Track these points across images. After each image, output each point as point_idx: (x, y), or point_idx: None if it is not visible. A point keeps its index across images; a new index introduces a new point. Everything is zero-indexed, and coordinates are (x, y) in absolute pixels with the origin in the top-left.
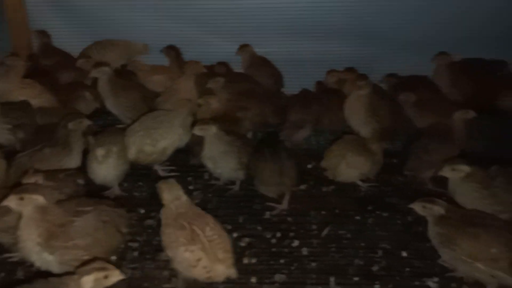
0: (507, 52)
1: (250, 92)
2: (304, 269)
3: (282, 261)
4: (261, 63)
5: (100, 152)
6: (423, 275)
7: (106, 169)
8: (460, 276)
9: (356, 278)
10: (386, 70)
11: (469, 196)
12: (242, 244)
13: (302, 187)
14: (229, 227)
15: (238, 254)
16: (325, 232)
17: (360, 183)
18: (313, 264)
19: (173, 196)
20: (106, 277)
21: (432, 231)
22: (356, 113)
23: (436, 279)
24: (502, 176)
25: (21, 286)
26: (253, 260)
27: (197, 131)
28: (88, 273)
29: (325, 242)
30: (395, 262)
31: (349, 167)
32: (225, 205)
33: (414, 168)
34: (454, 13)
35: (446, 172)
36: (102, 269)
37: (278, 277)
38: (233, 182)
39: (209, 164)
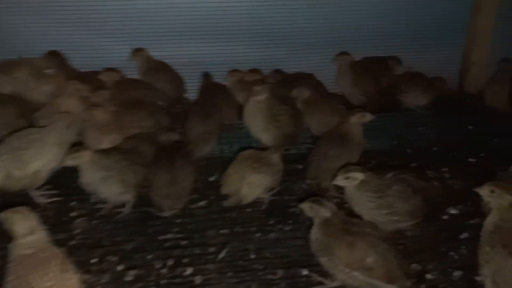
0: (403, 49)
1: (140, 102)
2: None
3: None
4: (159, 68)
5: None
6: None
7: None
8: None
9: None
10: (292, 71)
11: (364, 206)
12: (128, 278)
13: (202, 203)
14: (114, 259)
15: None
16: (221, 255)
17: (266, 196)
18: None
19: (25, 229)
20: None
21: (314, 236)
22: (255, 119)
23: None
24: (398, 184)
25: None
26: None
27: (69, 160)
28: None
29: (221, 267)
30: (295, 281)
31: (251, 188)
32: (112, 232)
33: (315, 176)
34: (355, 12)
35: (339, 181)
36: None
37: None
38: (123, 205)
39: (91, 190)
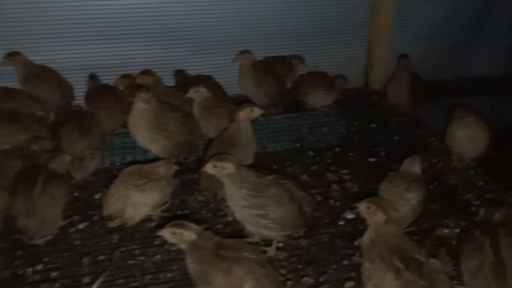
0: (308, 47)
1: (14, 114)
2: None
3: None
4: (40, 74)
5: None
6: None
7: None
8: None
9: None
10: (194, 72)
11: (237, 202)
12: None
13: (82, 225)
14: None
15: None
16: (95, 286)
17: (155, 213)
18: None
19: None
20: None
21: (189, 265)
22: (140, 129)
23: None
24: (276, 188)
25: None
26: None
27: None
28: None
29: None
30: None
31: (137, 208)
32: None
33: (208, 186)
34: (256, 11)
35: (208, 168)
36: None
37: None
38: None
39: None
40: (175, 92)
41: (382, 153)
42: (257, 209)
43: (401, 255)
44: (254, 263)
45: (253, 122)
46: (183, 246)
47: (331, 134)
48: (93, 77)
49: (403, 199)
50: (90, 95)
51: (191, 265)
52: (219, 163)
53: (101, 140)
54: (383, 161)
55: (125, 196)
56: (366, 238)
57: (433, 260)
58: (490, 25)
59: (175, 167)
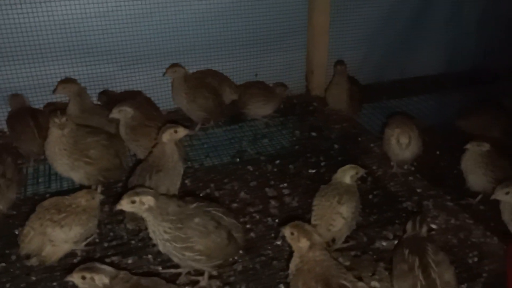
0: (247, 55)
1: None
2: None
3: None
4: None
5: None
6: None
7: None
8: None
9: None
10: (123, 87)
11: (160, 237)
12: None
13: None
14: None
15: None
16: None
17: (75, 248)
18: None
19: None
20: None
21: None
22: (59, 157)
23: None
24: (201, 217)
25: None
26: None
27: None
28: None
29: None
30: None
31: (56, 245)
32: None
33: (133, 217)
34: (187, 21)
35: (124, 205)
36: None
37: None
38: None
39: None
40: (101, 110)
41: (323, 163)
42: (180, 242)
43: (326, 282)
44: None
45: (191, 137)
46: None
47: (272, 145)
48: (16, 97)
49: (336, 213)
50: (11, 117)
51: None
52: (137, 198)
53: (15, 169)
54: (323, 172)
55: (42, 234)
56: (292, 266)
57: (360, 284)
58: (427, 24)
59: (99, 197)
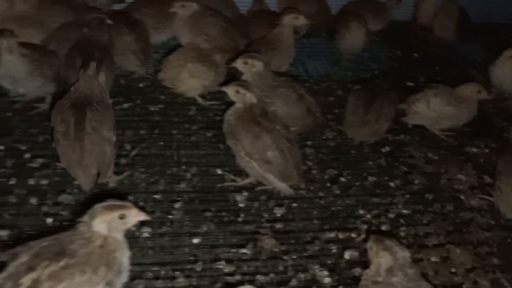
0: None
1: None
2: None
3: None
4: None
5: None
6: (234, 191)
7: None
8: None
9: (157, 196)
10: None
11: None
12: (34, 165)
13: (126, 105)
14: (24, 147)
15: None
16: (134, 152)
17: (199, 99)
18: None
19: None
20: (122, 217)
21: (227, 117)
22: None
23: (245, 193)
24: (286, 88)
25: (27, 244)
26: (43, 181)
27: None
28: (98, 214)
29: (134, 163)
30: (208, 179)
31: (191, 76)
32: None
33: None
34: None
35: (238, 64)
36: (116, 207)
37: (64, 197)
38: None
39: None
40: None
41: (421, 79)
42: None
43: None
44: (283, 136)
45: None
46: (238, 103)
47: (372, 59)
48: None
49: None
50: None
51: (230, 117)
52: (249, 60)
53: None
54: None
55: (183, 65)
56: None
57: None
58: None
59: (227, 56)
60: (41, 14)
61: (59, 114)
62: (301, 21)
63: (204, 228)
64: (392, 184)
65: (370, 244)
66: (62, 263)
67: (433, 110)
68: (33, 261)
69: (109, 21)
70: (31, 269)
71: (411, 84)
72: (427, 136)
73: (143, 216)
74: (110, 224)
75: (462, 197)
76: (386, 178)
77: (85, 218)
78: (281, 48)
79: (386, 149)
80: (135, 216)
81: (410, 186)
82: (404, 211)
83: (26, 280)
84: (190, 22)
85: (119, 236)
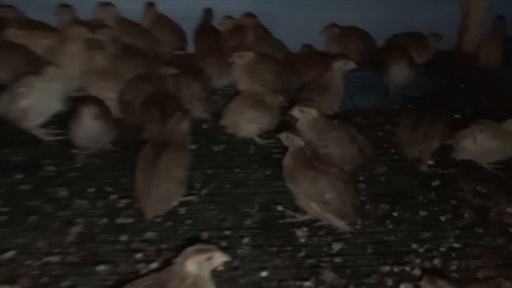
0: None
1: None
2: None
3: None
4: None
5: None
6: (294, 226)
7: None
8: (327, 224)
9: (227, 232)
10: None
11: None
12: (121, 205)
13: (193, 146)
14: (110, 189)
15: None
16: (204, 191)
17: (257, 139)
18: (188, 221)
19: None
20: (209, 259)
21: (285, 162)
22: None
23: (305, 228)
24: (338, 131)
25: (134, 282)
26: (129, 220)
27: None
28: (190, 256)
29: (204, 200)
30: (270, 215)
31: (249, 122)
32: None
33: None
34: None
35: (295, 112)
36: (204, 250)
37: (149, 235)
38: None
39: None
40: (273, 38)
41: (468, 111)
42: (321, 149)
43: None
44: (338, 178)
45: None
46: (290, 148)
47: (418, 91)
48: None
49: None
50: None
51: (288, 162)
52: (305, 108)
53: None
54: (467, 119)
55: (241, 112)
56: None
57: None
58: None
59: (280, 98)
60: (117, 67)
61: (141, 153)
62: (351, 66)
63: (270, 262)
64: (442, 218)
65: (423, 284)
66: None
67: (480, 145)
68: None
69: (177, 72)
70: None
71: (458, 116)
72: (475, 169)
73: (226, 258)
74: (199, 265)
75: None
76: (437, 212)
77: (179, 259)
78: (331, 90)
79: (436, 183)
80: (219, 257)
81: (460, 220)
82: (455, 245)
83: None
84: (247, 70)
85: (207, 274)
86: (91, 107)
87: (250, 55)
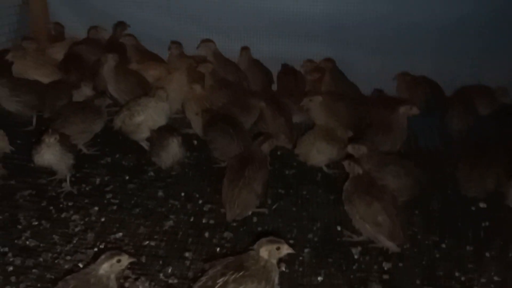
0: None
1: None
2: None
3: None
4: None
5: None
6: (350, 245)
7: None
8: (380, 246)
9: (291, 241)
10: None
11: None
12: (205, 209)
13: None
14: (197, 195)
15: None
16: (275, 206)
17: (325, 168)
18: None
19: None
20: (278, 248)
21: (345, 186)
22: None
23: (359, 247)
24: (394, 164)
25: (219, 259)
26: (211, 221)
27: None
28: (263, 244)
29: (276, 215)
30: (329, 233)
31: (319, 152)
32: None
33: None
34: None
35: (348, 148)
36: (275, 241)
37: (226, 234)
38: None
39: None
40: (348, 81)
41: None
42: (378, 181)
43: None
44: (390, 203)
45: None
46: (351, 174)
47: (479, 137)
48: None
49: None
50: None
51: (348, 187)
52: (356, 145)
53: None
54: None
55: (313, 143)
56: None
57: None
58: None
59: (350, 133)
60: (212, 95)
61: (228, 165)
62: (415, 111)
63: (326, 271)
64: (487, 254)
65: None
66: (241, 273)
67: None
68: (224, 269)
69: (266, 105)
70: (223, 274)
71: None
72: None
73: (291, 250)
74: (270, 252)
75: None
76: (483, 248)
77: (255, 246)
78: (395, 131)
79: (486, 224)
80: (286, 249)
81: (505, 257)
82: (496, 278)
83: (220, 281)
84: (324, 107)
85: (274, 261)
86: (179, 138)
87: (318, 99)
